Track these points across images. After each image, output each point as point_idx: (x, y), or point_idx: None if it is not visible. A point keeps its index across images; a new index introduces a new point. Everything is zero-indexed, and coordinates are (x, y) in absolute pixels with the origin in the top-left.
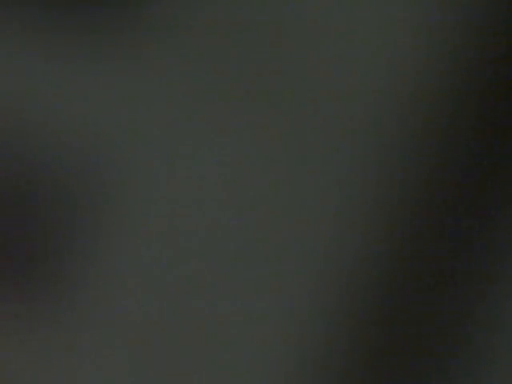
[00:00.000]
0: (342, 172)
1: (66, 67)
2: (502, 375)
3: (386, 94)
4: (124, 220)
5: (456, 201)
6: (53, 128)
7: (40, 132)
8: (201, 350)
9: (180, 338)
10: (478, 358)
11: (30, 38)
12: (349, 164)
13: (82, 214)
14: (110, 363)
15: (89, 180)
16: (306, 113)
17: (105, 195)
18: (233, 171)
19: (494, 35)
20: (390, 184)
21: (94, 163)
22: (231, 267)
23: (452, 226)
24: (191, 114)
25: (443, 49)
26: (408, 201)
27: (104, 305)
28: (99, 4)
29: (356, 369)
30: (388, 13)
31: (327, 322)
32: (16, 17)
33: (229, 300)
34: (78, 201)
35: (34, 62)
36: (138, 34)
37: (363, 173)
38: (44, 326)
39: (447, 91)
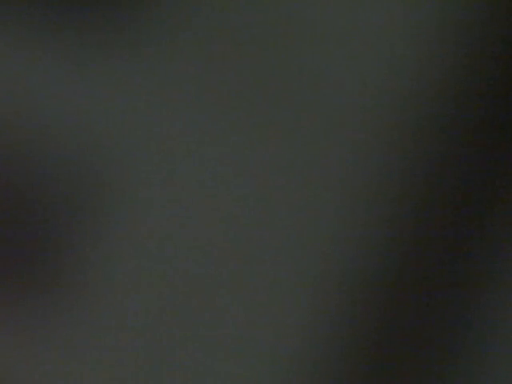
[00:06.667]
0: (341, 171)
1: (67, 67)
2: (501, 375)
3: (386, 93)
4: (124, 220)
5: (456, 200)
6: (53, 128)
7: (40, 132)
8: (201, 350)
9: (180, 337)
10: (478, 359)
11: (30, 38)
12: (349, 163)
13: (82, 213)
14: (109, 363)
15: (89, 179)
16: (306, 113)
17: (105, 195)
18: (233, 171)
19: (494, 35)
20: (390, 184)
21: (93, 163)
22: (231, 267)
23: (452, 226)
24: (191, 114)
25: (443, 49)
26: (408, 201)
27: (104, 305)
28: (99, 4)
29: (356, 369)
30: (388, 12)
31: (327, 322)
32: (16, 17)
33: (229, 300)
34: (77, 200)
35: (35, 62)
36: (138, 34)
37: (363, 172)
38: (44, 325)
39: (447, 91)
